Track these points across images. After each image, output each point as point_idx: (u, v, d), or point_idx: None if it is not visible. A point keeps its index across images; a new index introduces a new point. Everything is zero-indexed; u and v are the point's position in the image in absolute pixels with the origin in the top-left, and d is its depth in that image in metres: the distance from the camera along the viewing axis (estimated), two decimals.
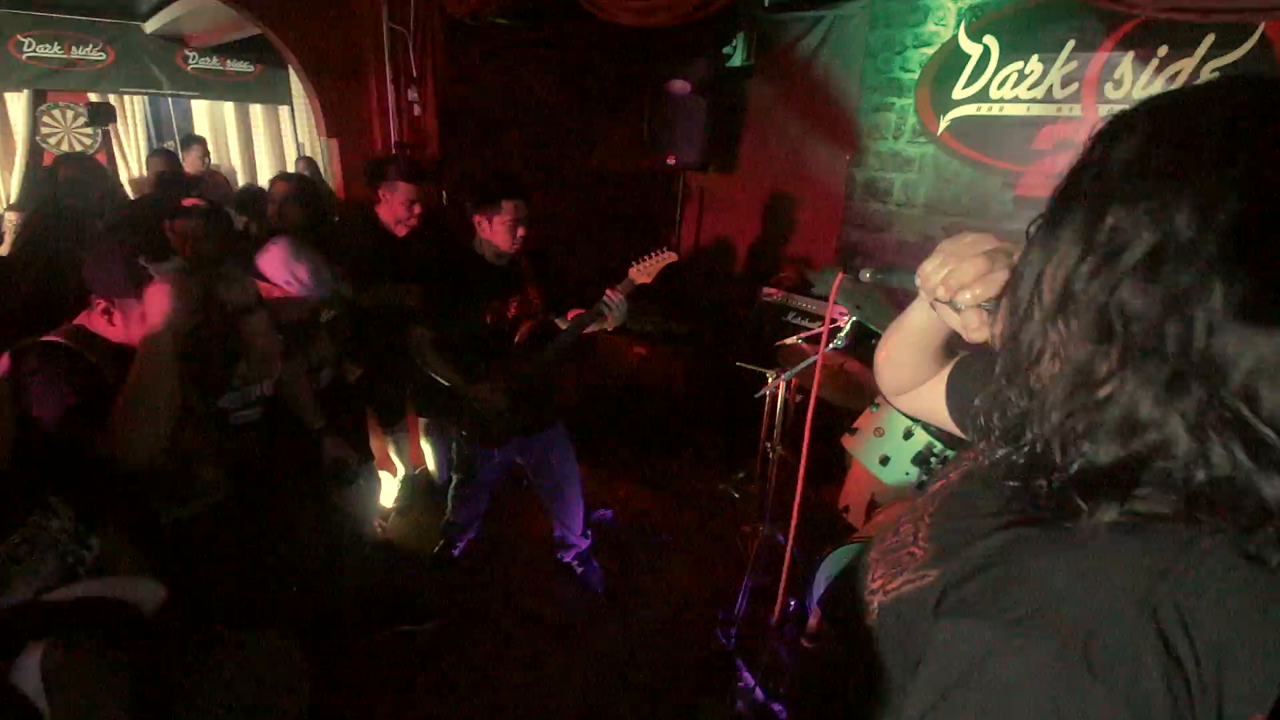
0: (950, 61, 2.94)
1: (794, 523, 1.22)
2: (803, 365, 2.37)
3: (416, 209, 2.65)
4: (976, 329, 0.60)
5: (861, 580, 0.63)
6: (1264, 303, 0.39)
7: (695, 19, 2.27)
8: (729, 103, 3.83)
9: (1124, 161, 0.45)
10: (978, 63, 2.85)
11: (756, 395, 2.52)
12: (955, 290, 0.60)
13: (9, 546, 1.06)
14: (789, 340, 2.87)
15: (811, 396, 1.11)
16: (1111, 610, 0.44)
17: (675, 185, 4.15)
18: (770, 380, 2.48)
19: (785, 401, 2.55)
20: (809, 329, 3.32)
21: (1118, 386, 0.44)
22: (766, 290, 3.68)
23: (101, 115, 3.47)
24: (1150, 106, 0.46)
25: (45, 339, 1.48)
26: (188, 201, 1.90)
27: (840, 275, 0.80)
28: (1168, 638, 0.42)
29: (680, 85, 3.60)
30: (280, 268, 2.05)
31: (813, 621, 0.72)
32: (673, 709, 2.22)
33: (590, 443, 3.46)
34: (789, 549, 1.16)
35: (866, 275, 0.70)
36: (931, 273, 0.62)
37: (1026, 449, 0.50)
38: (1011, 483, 0.51)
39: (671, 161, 3.76)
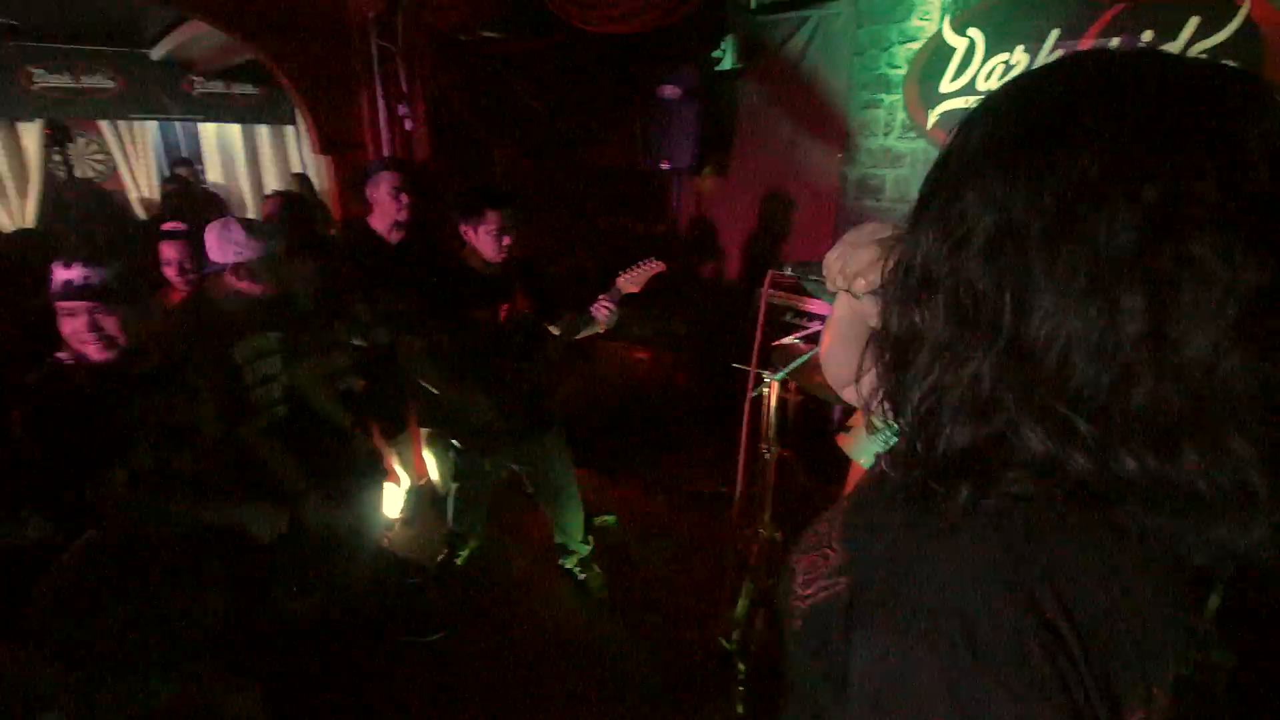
0: (936, 56, 2.92)
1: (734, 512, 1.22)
2: (794, 365, 2.36)
3: (404, 199, 2.63)
4: (874, 316, 0.60)
5: (786, 584, 0.62)
6: (1074, 281, 0.40)
7: (665, 23, 2.29)
8: (721, 106, 3.84)
9: (976, 146, 0.46)
10: (964, 56, 2.83)
11: (750, 395, 2.51)
12: (851, 278, 0.61)
13: None
14: (785, 340, 2.87)
15: (748, 389, 1.12)
16: (988, 600, 0.43)
17: (669, 189, 4.16)
18: (764, 379, 2.48)
19: (782, 402, 2.55)
20: (806, 328, 3.31)
21: (967, 367, 0.44)
22: (768, 291, 3.67)
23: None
24: (1004, 90, 0.47)
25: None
26: (167, 225, 1.94)
27: (770, 273, 0.81)
28: (1048, 621, 0.42)
29: (671, 91, 3.62)
30: (223, 248, 1.98)
31: (759, 623, 0.72)
32: (675, 712, 2.22)
33: (591, 447, 3.47)
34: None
35: (789, 270, 0.72)
36: (832, 262, 0.63)
37: (901, 435, 0.50)
38: (894, 472, 0.51)
39: (665, 166, 3.78)
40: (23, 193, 5.37)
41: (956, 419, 0.46)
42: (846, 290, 0.63)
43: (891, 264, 0.51)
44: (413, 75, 2.81)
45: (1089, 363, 0.40)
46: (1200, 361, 0.38)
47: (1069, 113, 0.42)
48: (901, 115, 3.14)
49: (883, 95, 3.20)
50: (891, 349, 0.50)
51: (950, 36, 2.85)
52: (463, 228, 2.26)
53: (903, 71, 3.08)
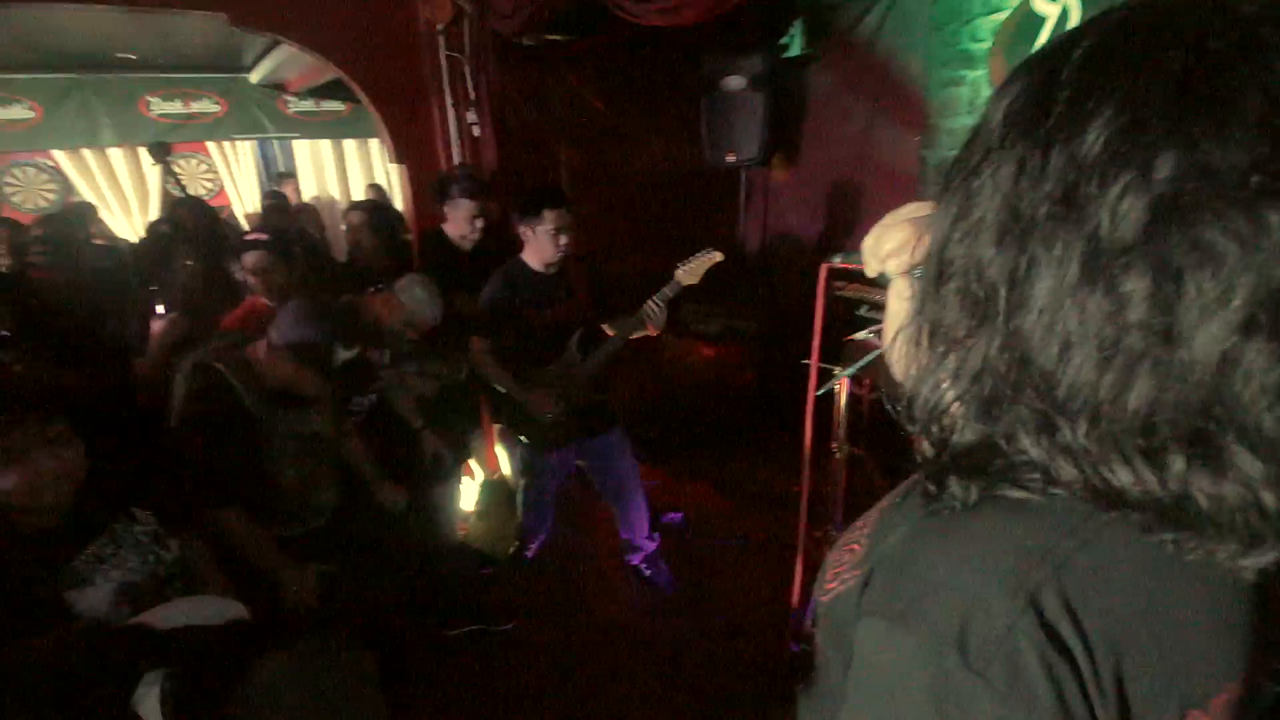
0: (1024, 26, 2.71)
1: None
2: (864, 361, 2.26)
3: (479, 223, 2.74)
4: (910, 300, 0.56)
5: (820, 578, 0.60)
6: (1072, 269, 0.36)
7: (716, 15, 2.23)
8: (789, 94, 3.73)
9: (998, 120, 0.41)
10: (1056, 25, 2.61)
11: (818, 392, 2.43)
12: (884, 259, 0.58)
13: (96, 548, 1.22)
14: (858, 335, 2.75)
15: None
16: (984, 597, 0.39)
17: (736, 182, 4.08)
18: (835, 375, 2.40)
19: (856, 399, 2.45)
20: (880, 322, 3.16)
21: (972, 362, 0.41)
22: (838, 284, 3.54)
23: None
24: (1037, 53, 0.42)
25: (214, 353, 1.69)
26: (250, 235, 2.07)
27: (824, 268, 0.77)
28: (1050, 625, 0.38)
29: (736, 81, 3.54)
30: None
31: (807, 623, 0.70)
32: (741, 714, 2.18)
33: (660, 445, 3.46)
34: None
35: (838, 259, 0.69)
36: (867, 245, 0.60)
37: (918, 429, 0.46)
38: (912, 467, 0.49)
39: (731, 159, 3.70)
40: (145, 210, 6.00)
41: (964, 416, 0.43)
42: (881, 273, 0.60)
43: (924, 246, 0.47)
44: (479, 82, 2.88)
45: (1086, 360, 0.36)
46: (1207, 362, 0.33)
47: (1083, 78, 0.37)
48: (986, 92, 2.94)
49: (965, 71, 3.00)
50: (915, 339, 0.47)
51: (1040, 4, 2.64)
52: (521, 228, 2.30)
53: (987, 45, 2.88)
